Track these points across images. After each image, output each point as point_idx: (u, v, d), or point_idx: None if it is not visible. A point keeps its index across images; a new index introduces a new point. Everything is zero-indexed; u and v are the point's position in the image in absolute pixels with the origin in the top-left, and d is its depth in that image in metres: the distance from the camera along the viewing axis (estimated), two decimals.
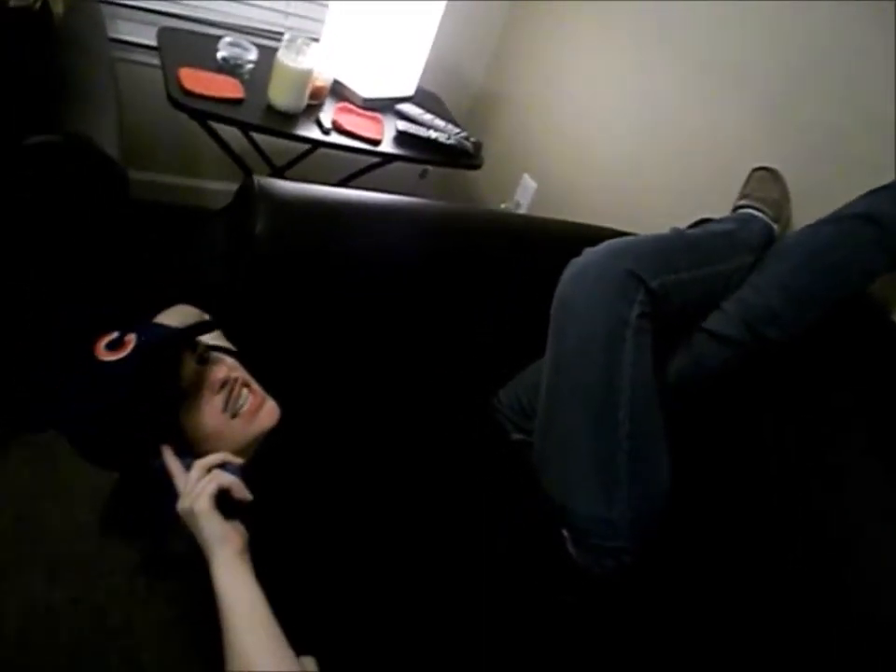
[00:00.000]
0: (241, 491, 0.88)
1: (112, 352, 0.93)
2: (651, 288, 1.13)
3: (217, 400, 0.98)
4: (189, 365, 0.97)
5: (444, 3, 1.96)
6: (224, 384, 0.98)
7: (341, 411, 1.16)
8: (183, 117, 1.72)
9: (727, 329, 1.21)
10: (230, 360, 1.04)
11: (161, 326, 1.04)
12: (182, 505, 0.87)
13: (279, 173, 2.10)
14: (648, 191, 1.87)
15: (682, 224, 1.42)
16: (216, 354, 1.03)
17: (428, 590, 0.98)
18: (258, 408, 1.01)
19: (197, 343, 1.02)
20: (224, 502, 0.87)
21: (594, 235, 1.29)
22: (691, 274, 1.21)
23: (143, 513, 0.99)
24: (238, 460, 0.92)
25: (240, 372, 1.02)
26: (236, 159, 1.91)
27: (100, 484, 1.04)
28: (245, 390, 1.01)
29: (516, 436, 1.29)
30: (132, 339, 0.94)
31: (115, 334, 0.95)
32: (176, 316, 1.13)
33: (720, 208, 1.49)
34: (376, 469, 1.07)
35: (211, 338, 1.18)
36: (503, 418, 1.33)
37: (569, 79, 2.18)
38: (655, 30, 1.87)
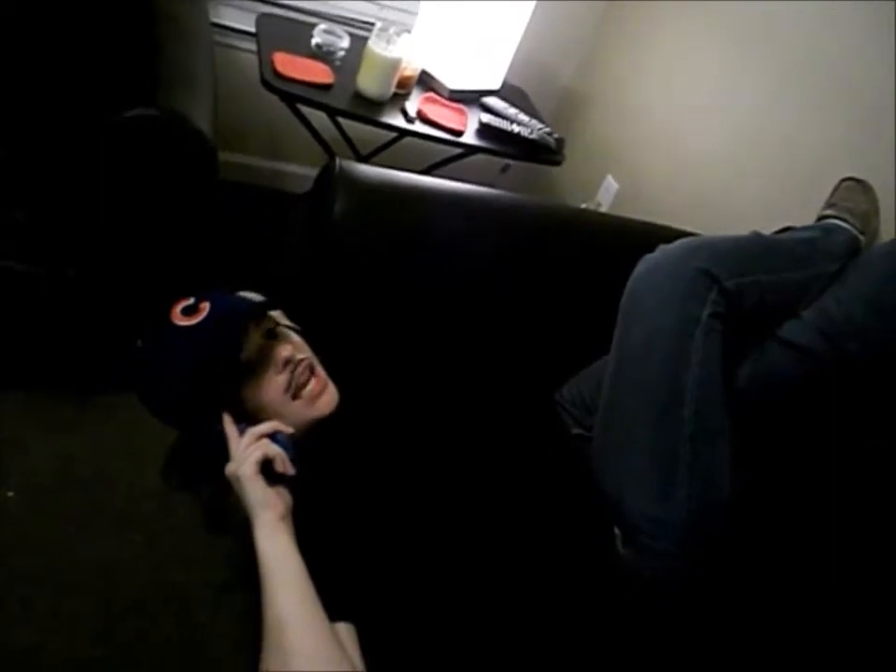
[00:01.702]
0: (284, 463, 0.90)
1: (187, 317, 0.96)
2: (724, 288, 1.10)
3: (280, 379, 1.00)
4: (256, 339, 0.99)
5: (534, 1, 1.95)
6: (288, 362, 1.00)
7: (403, 399, 1.17)
8: (274, 101, 1.77)
9: (803, 339, 1.16)
10: (298, 340, 1.05)
11: (236, 297, 1.07)
12: (229, 469, 0.90)
13: (364, 160, 2.13)
14: (731, 197, 1.82)
15: (766, 232, 1.37)
16: (284, 331, 1.05)
17: (474, 577, 0.98)
18: (319, 393, 1.02)
19: (267, 318, 1.04)
20: (269, 471, 0.89)
21: (671, 236, 1.26)
22: (768, 278, 1.16)
23: (201, 467, 1.01)
24: (289, 430, 0.94)
25: (306, 354, 1.04)
26: (322, 143, 1.96)
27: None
28: (308, 373, 1.02)
29: (576, 430, 1.28)
30: (206, 306, 0.96)
31: (191, 300, 0.98)
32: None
33: (805, 218, 1.43)
34: (434, 460, 1.07)
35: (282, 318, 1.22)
36: (565, 413, 1.32)
37: (658, 81, 2.15)
38: (749, 32, 1.82)
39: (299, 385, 1.01)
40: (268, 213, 2.34)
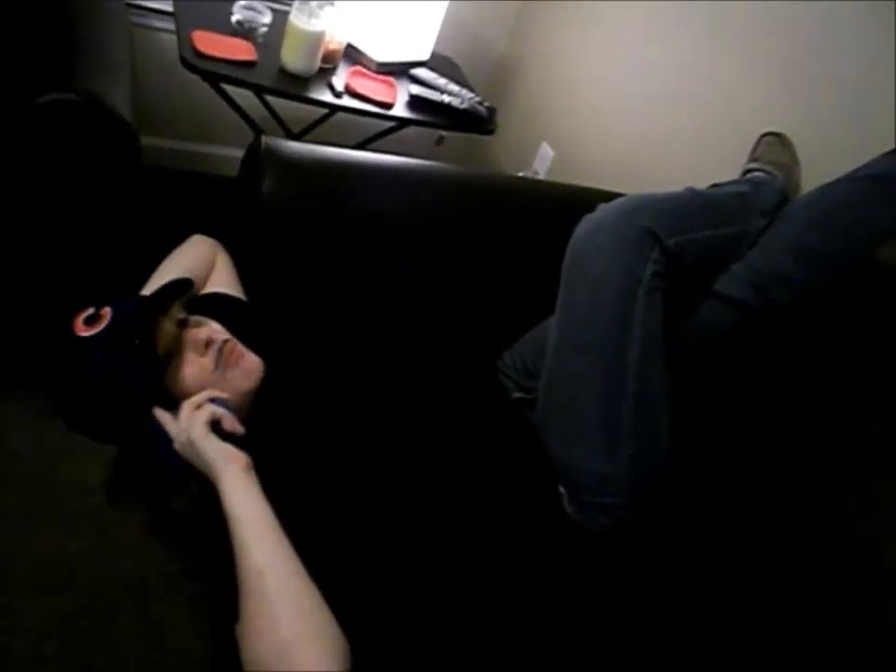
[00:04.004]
0: (232, 423, 0.91)
1: (90, 326, 0.95)
2: (666, 246, 1.12)
3: (206, 360, 1.00)
4: (169, 329, 0.99)
5: None
6: (210, 342, 1.01)
7: (343, 371, 1.17)
8: (198, 82, 1.73)
9: (736, 291, 1.19)
10: (214, 324, 1.06)
11: (136, 297, 1.06)
12: (179, 439, 0.90)
13: (295, 138, 2.10)
14: (663, 159, 1.85)
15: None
16: (197, 317, 1.05)
17: (425, 545, 0.99)
18: (245, 364, 1.03)
19: (174, 307, 1.03)
20: (218, 431, 0.90)
21: (607, 199, 1.28)
22: (705, 234, 1.19)
23: (145, 477, 1.01)
24: (225, 395, 0.95)
25: (223, 334, 1.04)
26: (249, 121, 1.92)
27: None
28: (228, 347, 1.03)
29: (517, 394, 1.29)
30: (107, 312, 0.96)
31: (91, 309, 0.97)
32: (182, 260, 1.16)
33: (733, 174, 1.46)
34: (376, 428, 1.08)
35: (224, 287, 1.20)
36: (506, 378, 1.34)
37: (589, 48, 2.16)
38: None
39: (227, 359, 1.01)
40: (200, 197, 2.28)
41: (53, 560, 1.26)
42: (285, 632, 0.74)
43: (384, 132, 2.10)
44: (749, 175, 1.38)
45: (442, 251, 1.39)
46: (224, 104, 1.87)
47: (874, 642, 1.01)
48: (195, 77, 1.70)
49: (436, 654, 0.91)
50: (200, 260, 1.24)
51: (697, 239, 1.18)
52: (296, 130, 2.11)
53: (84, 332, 0.95)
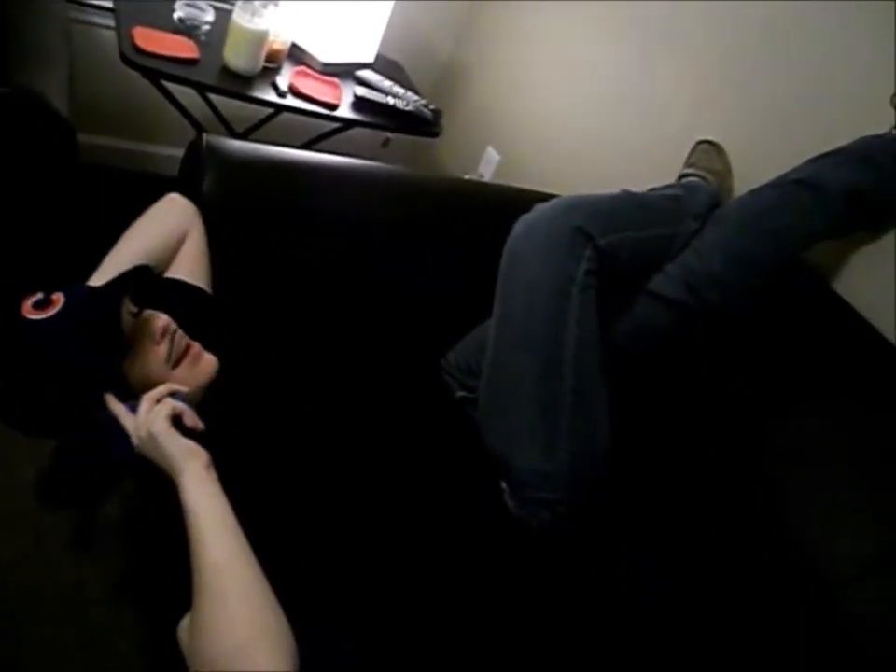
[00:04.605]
0: (192, 418, 0.89)
1: (39, 310, 0.91)
2: (598, 245, 1.14)
3: (160, 349, 0.98)
4: (125, 317, 0.96)
5: None
6: (165, 332, 0.98)
7: (288, 371, 1.16)
8: (138, 79, 1.70)
9: (669, 291, 1.23)
10: (164, 316, 1.03)
11: (86, 286, 1.01)
12: (139, 433, 0.88)
13: (239, 138, 2.07)
14: (603, 163, 1.89)
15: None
16: (149, 310, 1.02)
17: (374, 543, 0.99)
18: (198, 358, 1.02)
19: (127, 298, 0.99)
20: (179, 427, 0.88)
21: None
22: (638, 235, 1.22)
23: (86, 474, 0.98)
24: (185, 389, 0.94)
25: (176, 326, 1.02)
26: (190, 119, 1.90)
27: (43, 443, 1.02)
28: (184, 340, 1.01)
29: (461, 393, 1.31)
30: (59, 297, 0.92)
31: (39, 294, 0.93)
32: (149, 234, 1.14)
33: (671, 179, 1.51)
34: (322, 428, 1.08)
35: (186, 274, 1.18)
36: (449, 378, 1.35)
37: (534, 52, 2.19)
38: (612, 2, 1.89)
39: (179, 351, 0.99)
40: (140, 196, 2.23)
41: None
42: (242, 631, 0.73)
43: (328, 132, 2.10)
44: (683, 181, 1.43)
45: (387, 252, 1.39)
46: (166, 102, 1.84)
47: (833, 627, 1.02)
48: (136, 75, 1.67)
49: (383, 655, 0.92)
50: (168, 234, 1.18)
51: (630, 238, 1.21)
52: (240, 129, 2.09)
53: (34, 315, 0.90)
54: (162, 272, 1.18)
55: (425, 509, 1.05)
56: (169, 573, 0.85)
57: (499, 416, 1.16)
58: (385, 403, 1.18)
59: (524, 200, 1.54)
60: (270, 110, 1.94)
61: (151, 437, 0.86)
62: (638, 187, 1.40)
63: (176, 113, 1.90)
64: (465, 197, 1.56)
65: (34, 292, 0.94)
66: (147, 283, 1.03)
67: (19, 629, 1.18)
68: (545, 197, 1.53)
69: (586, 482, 1.12)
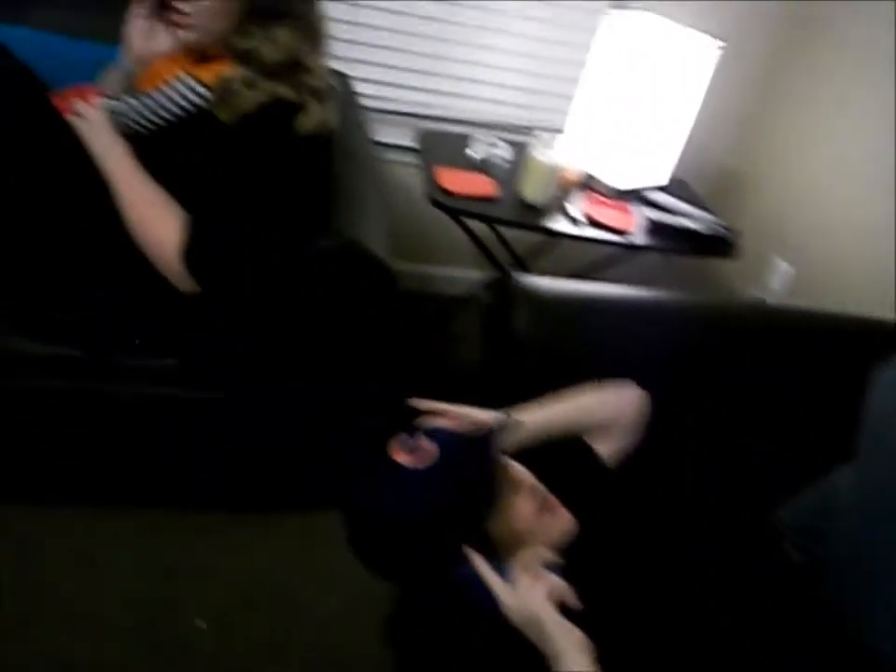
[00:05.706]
0: (574, 600, 0.84)
1: (412, 456, 0.89)
2: None
3: (530, 500, 0.93)
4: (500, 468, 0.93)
5: (704, 90, 1.89)
6: (532, 486, 0.95)
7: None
8: (428, 210, 1.78)
9: None
10: (520, 465, 0.98)
11: (455, 433, 0.97)
12: (516, 608, 0.84)
13: (521, 263, 2.10)
14: None
15: None
16: (507, 459, 0.97)
17: None
18: (555, 508, 0.96)
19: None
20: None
21: (872, 328, 1.15)
22: None
23: (430, 627, 0.94)
24: (557, 559, 0.89)
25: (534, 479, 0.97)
26: (486, 252, 1.95)
27: (359, 573, 0.97)
28: (543, 492, 0.96)
29: (798, 557, 1.12)
30: (429, 444, 0.90)
31: (403, 435, 0.92)
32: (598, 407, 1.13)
33: None
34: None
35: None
36: (784, 540, 1.16)
37: (828, 151, 2.03)
38: None
39: (540, 502, 0.94)
40: (415, 316, 2.31)
41: None
42: None
43: (616, 255, 2.04)
44: None
45: (693, 388, 1.32)
46: (443, 227, 1.87)
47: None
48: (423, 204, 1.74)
49: None
50: (600, 419, 1.13)
51: None
52: (518, 251, 2.11)
53: (409, 462, 0.89)
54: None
55: None
56: None
57: (867, 596, 0.98)
58: (715, 568, 1.04)
59: (842, 326, 1.38)
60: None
61: (535, 621, 0.82)
62: None
63: (451, 236, 1.92)
64: (773, 325, 1.43)
65: (397, 430, 0.93)
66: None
67: None
68: (870, 322, 1.35)
69: None
